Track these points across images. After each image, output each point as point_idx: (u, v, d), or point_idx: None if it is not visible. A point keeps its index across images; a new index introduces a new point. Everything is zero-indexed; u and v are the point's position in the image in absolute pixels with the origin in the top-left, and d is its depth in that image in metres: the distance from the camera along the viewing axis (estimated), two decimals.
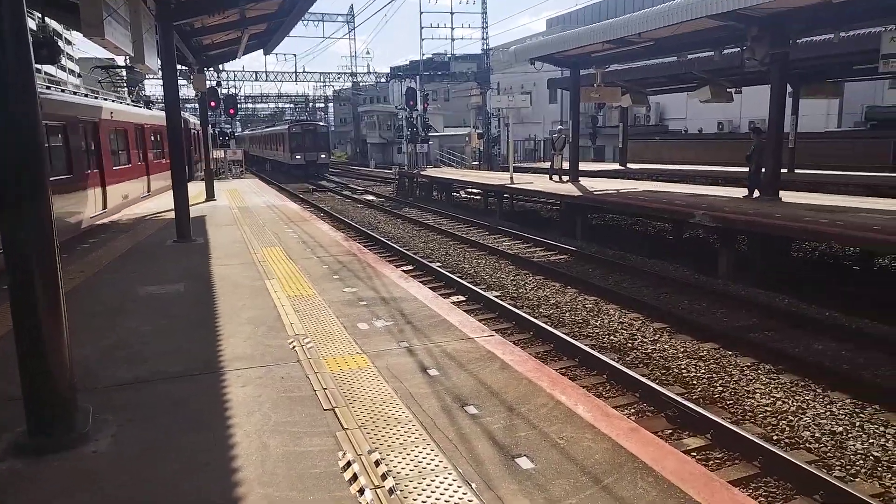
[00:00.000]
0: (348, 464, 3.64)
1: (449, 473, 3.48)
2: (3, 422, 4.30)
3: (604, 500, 3.14)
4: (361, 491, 3.35)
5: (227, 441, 3.98)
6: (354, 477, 3.49)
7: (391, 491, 3.34)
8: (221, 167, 27.34)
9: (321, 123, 49.37)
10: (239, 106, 42.28)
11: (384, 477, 3.47)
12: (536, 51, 20.29)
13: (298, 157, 42.56)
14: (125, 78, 42.07)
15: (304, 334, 6.10)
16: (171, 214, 15.33)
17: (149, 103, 24.15)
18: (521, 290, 11.89)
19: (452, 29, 44.36)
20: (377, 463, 3.63)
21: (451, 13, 44.35)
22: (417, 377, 4.95)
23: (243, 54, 19.57)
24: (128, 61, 8.63)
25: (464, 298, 11.29)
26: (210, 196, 18.97)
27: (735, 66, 17.73)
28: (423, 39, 44.25)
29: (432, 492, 3.32)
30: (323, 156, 43.67)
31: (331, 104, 67.37)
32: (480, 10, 44.06)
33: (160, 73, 10.93)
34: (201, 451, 3.88)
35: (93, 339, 6.05)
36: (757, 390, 7.26)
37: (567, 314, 10.42)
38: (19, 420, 4.21)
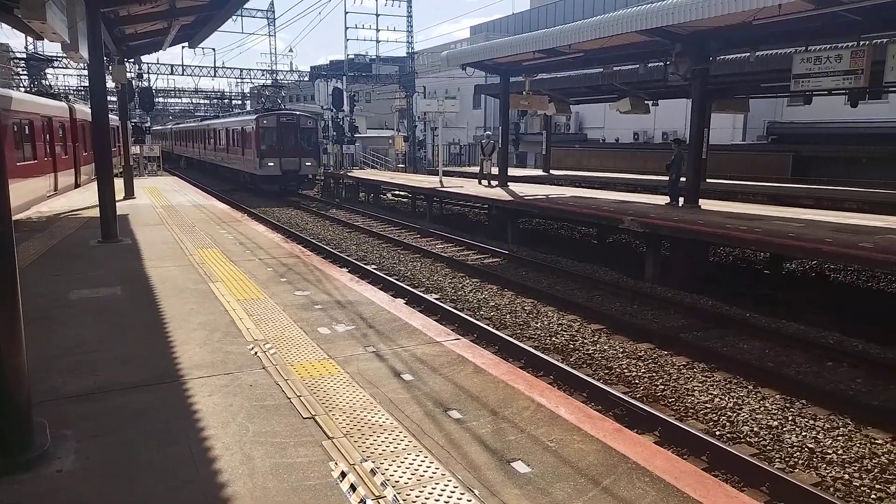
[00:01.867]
0: (343, 474, 3.55)
1: (449, 480, 3.47)
2: None
3: (608, 502, 3.24)
4: (363, 502, 3.28)
5: (206, 454, 3.79)
6: (353, 488, 3.41)
7: (394, 500, 3.29)
8: (136, 164, 25.93)
9: (306, 114, 31.46)
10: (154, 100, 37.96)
11: (384, 486, 3.42)
12: (469, 56, 20.53)
13: (272, 163, 28.38)
14: (22, 65, 39.11)
15: (264, 339, 5.90)
16: (88, 212, 14.52)
17: (55, 95, 22.58)
18: (459, 293, 11.99)
19: (378, 31, 44.02)
20: (373, 472, 3.57)
21: (377, 15, 44.01)
22: (392, 382, 4.90)
23: (169, 46, 18.67)
24: (62, 49, 8.03)
25: (404, 301, 11.27)
26: (129, 194, 17.95)
27: (656, 80, 18.65)
28: (347, 40, 43.60)
29: (436, 500, 3.31)
30: (309, 163, 29.55)
31: (248, 101, 65.24)
32: (406, 13, 44.01)
33: (73, 62, 10.26)
34: (180, 466, 3.68)
35: (29, 347, 5.58)
36: (695, 388, 7.66)
37: (508, 316, 10.61)
38: None
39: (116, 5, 10.97)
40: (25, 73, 37.05)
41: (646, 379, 7.98)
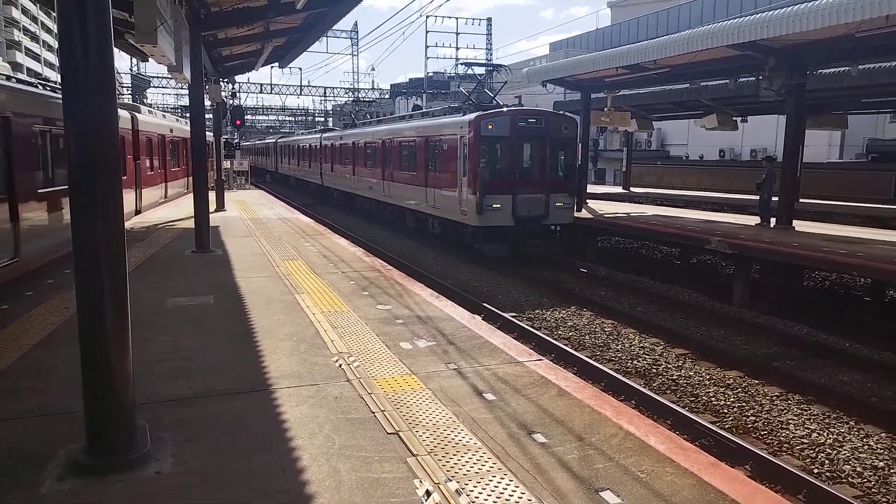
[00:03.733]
0: (428, 493, 3.54)
1: None
2: (57, 437, 4.17)
3: None
4: None
5: (294, 465, 3.87)
6: None
7: None
8: (225, 178, 27.22)
9: (562, 113, 18.12)
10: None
11: None
12: (549, 73, 20.42)
13: (497, 205, 15.52)
14: (127, 85, 42.10)
15: (348, 352, 6.00)
16: (183, 224, 15.32)
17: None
18: (536, 311, 11.83)
19: (457, 49, 44.72)
20: (458, 492, 3.54)
21: (457, 34, 44.71)
22: (474, 401, 4.86)
23: (261, 66, 19.59)
24: (168, 70, 8.60)
25: (482, 317, 11.22)
26: (220, 206, 18.86)
27: (746, 95, 17.93)
28: (427, 58, 44.45)
29: None
30: (561, 203, 16.23)
31: (330, 119, 67.44)
32: (485, 31, 44.44)
33: (177, 82, 10.93)
34: (270, 475, 3.77)
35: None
36: (790, 421, 7.22)
37: (587, 337, 10.38)
38: (72, 436, 4.09)
39: (216, 28, 11.62)
40: (130, 92, 39.79)
41: (735, 409, 7.59)
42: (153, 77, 44.79)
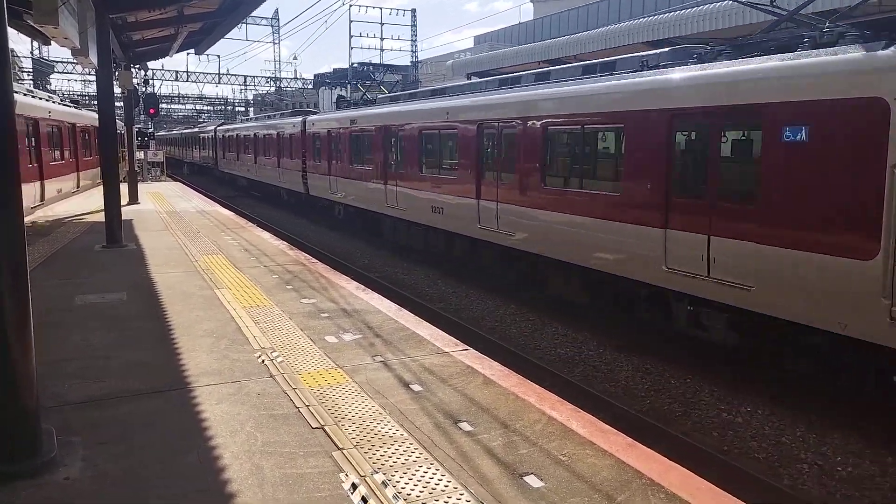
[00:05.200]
0: (354, 486, 3.51)
1: (461, 494, 3.42)
2: None
3: None
4: None
5: (215, 464, 3.75)
6: (364, 500, 3.37)
7: None
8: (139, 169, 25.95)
9: None
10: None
11: (395, 499, 3.38)
12: (474, 66, 20.61)
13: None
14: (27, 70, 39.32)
15: (271, 347, 5.86)
16: (92, 217, 14.53)
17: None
18: (464, 303, 11.92)
19: (382, 39, 44.32)
20: (384, 484, 3.52)
21: (381, 24, 44.30)
22: (401, 393, 4.86)
23: (176, 53, 18.73)
24: (72, 54, 8.06)
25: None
26: (133, 199, 17.95)
27: None
28: (352, 48, 43.94)
29: None
30: None
31: (251, 108, 65.45)
32: (410, 22, 44.29)
33: (84, 67, 10.30)
34: (189, 475, 3.64)
35: (35, 353, 5.56)
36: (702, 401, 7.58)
37: (512, 328, 10.57)
38: None
39: (125, 11, 11.01)
40: (31, 78, 37.22)
41: (652, 392, 7.89)
42: (57, 62, 42.07)
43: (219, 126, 36.61)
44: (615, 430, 4.22)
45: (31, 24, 7.27)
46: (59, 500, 3.38)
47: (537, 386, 5.01)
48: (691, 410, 7.23)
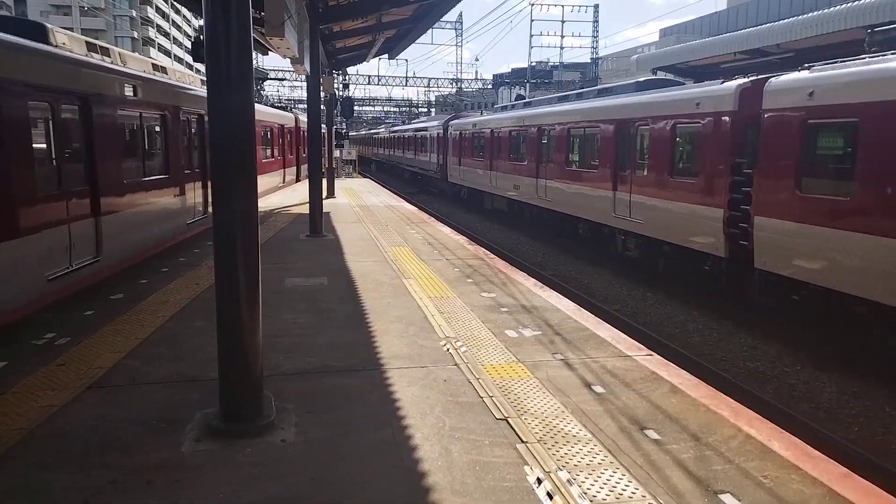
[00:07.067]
0: (539, 480, 3.55)
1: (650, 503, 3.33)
2: (192, 402, 4.53)
3: None
4: None
5: (407, 442, 4.00)
6: (549, 496, 3.40)
7: None
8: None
9: None
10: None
11: (581, 499, 3.36)
12: (659, 60, 19.64)
13: None
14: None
15: (455, 337, 6.11)
16: (296, 209, 16.11)
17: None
18: (640, 306, 11.46)
19: (562, 37, 43.88)
20: (569, 482, 3.53)
21: (562, 21, 43.90)
22: (583, 393, 4.81)
23: (372, 58, 20.16)
24: (291, 63, 9.07)
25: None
26: (331, 193, 19.67)
27: None
28: (532, 48, 43.99)
29: None
30: None
31: (433, 109, 68.24)
32: (592, 19, 43.32)
33: (297, 74, 11.43)
34: (384, 450, 3.92)
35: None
36: None
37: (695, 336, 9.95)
38: (204, 401, 4.44)
39: (333, 21, 12.07)
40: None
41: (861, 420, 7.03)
42: (270, 70, 47.24)
43: (451, 120, 26.85)
44: (825, 457, 3.82)
45: (256, 38, 8.24)
46: (276, 460, 3.82)
47: (731, 399, 4.69)
48: None
